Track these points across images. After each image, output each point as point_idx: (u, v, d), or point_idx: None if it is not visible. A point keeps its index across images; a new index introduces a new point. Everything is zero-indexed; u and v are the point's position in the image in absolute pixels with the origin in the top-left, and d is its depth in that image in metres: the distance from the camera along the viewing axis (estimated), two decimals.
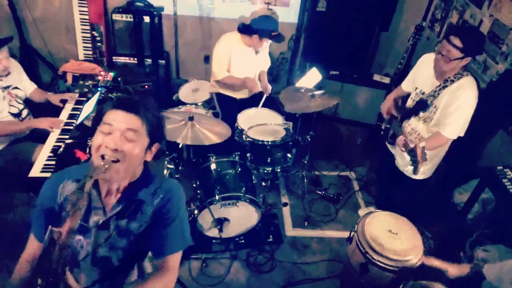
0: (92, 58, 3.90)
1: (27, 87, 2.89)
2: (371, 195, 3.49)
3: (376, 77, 3.84)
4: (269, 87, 3.28)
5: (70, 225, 1.09)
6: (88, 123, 2.60)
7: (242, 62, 3.22)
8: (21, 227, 2.68)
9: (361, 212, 3.27)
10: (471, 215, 2.67)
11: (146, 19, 3.69)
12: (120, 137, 1.24)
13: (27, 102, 2.87)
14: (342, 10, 3.85)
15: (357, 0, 3.82)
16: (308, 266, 2.80)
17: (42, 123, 2.67)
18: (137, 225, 1.35)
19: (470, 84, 2.13)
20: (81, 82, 3.29)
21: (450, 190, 2.96)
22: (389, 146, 2.66)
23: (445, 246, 2.79)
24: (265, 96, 3.26)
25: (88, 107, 2.74)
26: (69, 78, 3.46)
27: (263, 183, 2.96)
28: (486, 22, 2.88)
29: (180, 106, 3.20)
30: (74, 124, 2.72)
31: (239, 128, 2.93)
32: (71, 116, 2.84)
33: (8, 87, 2.68)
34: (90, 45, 3.87)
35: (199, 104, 3.39)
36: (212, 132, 2.37)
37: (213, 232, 2.74)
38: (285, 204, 3.25)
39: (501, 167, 2.35)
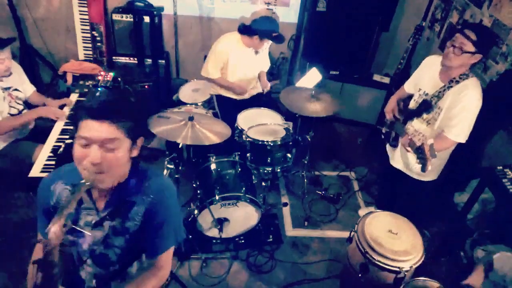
0: (92, 58, 3.89)
1: (27, 89, 2.88)
2: (371, 195, 3.49)
3: (376, 77, 3.83)
4: (268, 85, 3.28)
5: (56, 231, 1.12)
6: None
7: (242, 62, 3.20)
8: (21, 227, 2.69)
9: (361, 212, 3.27)
10: (471, 215, 2.66)
11: (146, 19, 3.68)
12: (99, 149, 1.19)
13: (26, 104, 2.86)
14: (342, 10, 3.85)
15: (357, 0, 3.82)
16: (308, 266, 2.80)
17: (46, 111, 2.66)
18: (132, 223, 1.37)
19: (474, 85, 2.11)
20: (81, 82, 3.30)
21: (451, 192, 2.95)
22: (389, 148, 2.65)
23: (445, 246, 2.79)
24: (265, 91, 3.26)
25: None
26: (69, 78, 3.47)
27: (263, 183, 2.96)
28: (486, 22, 2.88)
29: (180, 106, 3.20)
30: None
31: (239, 128, 2.93)
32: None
33: (9, 88, 2.67)
34: (90, 45, 3.87)
35: (199, 104, 3.38)
36: (212, 132, 2.37)
37: (213, 232, 2.74)
38: (285, 204, 3.25)
39: (501, 167, 2.34)
